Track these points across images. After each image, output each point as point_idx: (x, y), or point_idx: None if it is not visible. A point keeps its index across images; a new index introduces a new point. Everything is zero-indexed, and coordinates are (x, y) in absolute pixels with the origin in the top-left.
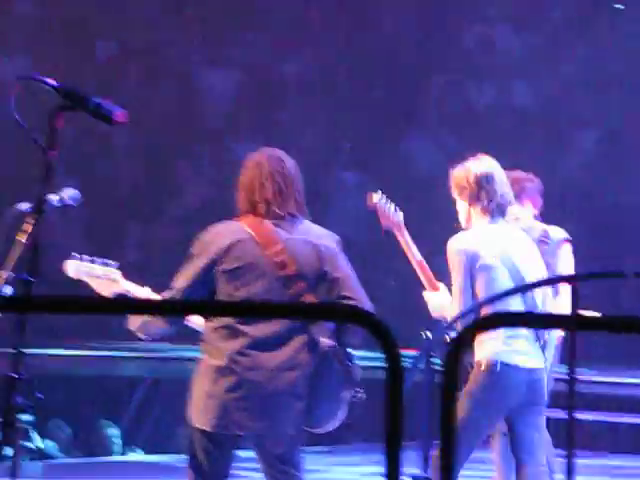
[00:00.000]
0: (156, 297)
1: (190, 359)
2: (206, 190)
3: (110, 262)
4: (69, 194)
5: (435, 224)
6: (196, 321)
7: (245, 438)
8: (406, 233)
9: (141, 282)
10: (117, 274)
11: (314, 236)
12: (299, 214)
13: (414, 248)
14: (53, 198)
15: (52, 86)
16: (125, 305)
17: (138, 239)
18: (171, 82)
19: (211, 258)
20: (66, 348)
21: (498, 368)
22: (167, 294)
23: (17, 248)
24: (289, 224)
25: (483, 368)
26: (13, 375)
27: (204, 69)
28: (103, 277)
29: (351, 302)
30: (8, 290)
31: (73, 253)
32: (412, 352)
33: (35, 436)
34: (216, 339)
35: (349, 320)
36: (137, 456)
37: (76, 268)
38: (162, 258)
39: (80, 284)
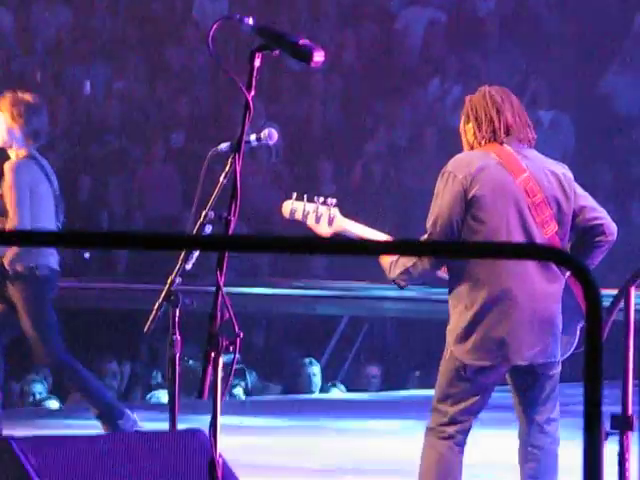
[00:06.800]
0: (377, 235)
1: (387, 298)
2: (406, 129)
3: (329, 200)
4: (266, 133)
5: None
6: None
7: (512, 370)
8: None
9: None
10: (335, 211)
11: (550, 164)
12: (532, 141)
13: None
14: (251, 138)
15: (250, 26)
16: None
17: (333, 178)
18: (370, 21)
19: (461, 185)
20: (267, 287)
21: None
22: (425, 238)
23: (217, 188)
24: (525, 151)
25: None
26: (214, 313)
27: (402, 9)
28: (320, 216)
29: (601, 222)
30: (208, 229)
31: (294, 193)
32: (612, 291)
33: (247, 375)
34: (482, 272)
35: (550, 260)
36: (338, 393)
37: (292, 208)
38: (357, 197)
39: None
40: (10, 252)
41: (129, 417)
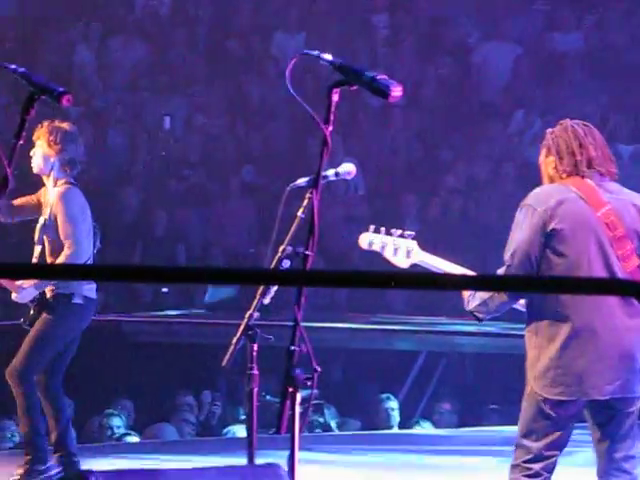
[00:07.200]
0: (455, 268)
1: (465, 333)
2: (485, 163)
3: (407, 233)
4: (345, 169)
5: None
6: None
7: (591, 405)
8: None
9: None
10: (413, 245)
11: (633, 197)
12: (614, 175)
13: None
14: (329, 173)
15: (328, 61)
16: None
17: (416, 212)
18: (448, 55)
19: (541, 218)
20: (345, 322)
21: None
22: (502, 270)
23: (295, 222)
24: (607, 184)
25: None
26: (292, 348)
27: (480, 43)
28: (398, 248)
29: None
30: (286, 264)
31: (371, 225)
32: None
33: (326, 410)
34: (562, 306)
35: (631, 295)
36: (417, 429)
37: (370, 240)
38: (438, 231)
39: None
40: None
41: (49, 468)
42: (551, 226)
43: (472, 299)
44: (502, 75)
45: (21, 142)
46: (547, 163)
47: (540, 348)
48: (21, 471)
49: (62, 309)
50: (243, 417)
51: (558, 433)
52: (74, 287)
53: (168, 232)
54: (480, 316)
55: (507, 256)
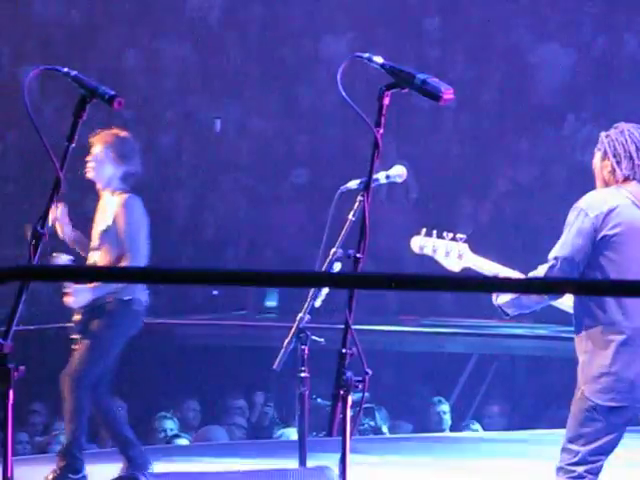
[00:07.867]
0: (506, 272)
1: (516, 336)
2: (536, 166)
3: (459, 236)
4: (396, 171)
5: None
6: (563, 300)
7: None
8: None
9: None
10: (464, 248)
11: None
12: None
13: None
14: (380, 175)
15: (379, 64)
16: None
17: (468, 216)
18: (500, 58)
19: (592, 223)
20: (396, 325)
21: None
22: (542, 269)
23: (346, 225)
24: None
25: None
26: (343, 351)
27: (534, 44)
28: (449, 252)
29: None
30: (337, 267)
31: (423, 229)
32: None
33: (377, 413)
34: (614, 312)
35: None
36: (467, 432)
37: (421, 243)
38: (490, 235)
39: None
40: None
41: (82, 478)
42: (602, 233)
43: (503, 295)
44: (554, 78)
45: (73, 145)
46: (603, 167)
47: (592, 353)
48: (52, 476)
49: (121, 315)
50: (293, 420)
51: (606, 438)
52: (133, 293)
53: (218, 235)
54: (508, 311)
55: (552, 254)
